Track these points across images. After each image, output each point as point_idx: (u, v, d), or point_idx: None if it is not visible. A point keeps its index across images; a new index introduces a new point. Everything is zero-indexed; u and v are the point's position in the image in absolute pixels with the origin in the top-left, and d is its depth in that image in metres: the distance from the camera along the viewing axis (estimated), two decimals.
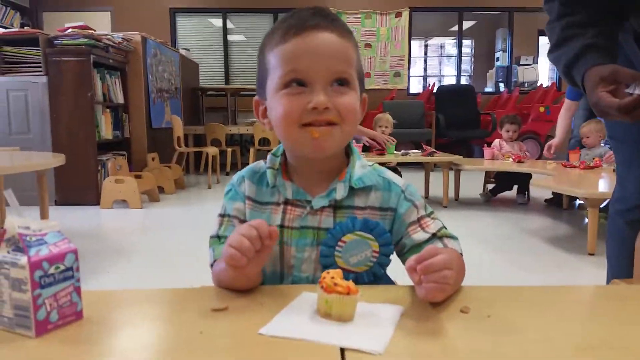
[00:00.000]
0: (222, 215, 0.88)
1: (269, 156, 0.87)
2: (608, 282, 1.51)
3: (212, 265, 0.85)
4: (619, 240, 1.45)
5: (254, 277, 0.74)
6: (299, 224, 0.83)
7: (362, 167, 0.86)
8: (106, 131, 4.68)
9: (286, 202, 0.84)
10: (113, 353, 0.57)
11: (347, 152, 0.88)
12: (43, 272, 0.59)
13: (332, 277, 0.64)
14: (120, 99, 4.99)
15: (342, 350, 0.56)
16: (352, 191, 0.83)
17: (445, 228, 0.86)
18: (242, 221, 0.85)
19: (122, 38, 4.88)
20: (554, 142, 4.07)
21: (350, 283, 0.64)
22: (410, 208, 0.85)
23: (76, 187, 4.38)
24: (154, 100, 5.51)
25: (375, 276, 0.83)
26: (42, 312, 0.59)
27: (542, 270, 2.70)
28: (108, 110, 4.73)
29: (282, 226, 0.83)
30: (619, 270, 1.44)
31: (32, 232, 0.60)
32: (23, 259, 0.58)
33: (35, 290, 0.58)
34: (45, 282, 0.59)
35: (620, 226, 1.45)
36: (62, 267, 0.61)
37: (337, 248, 0.80)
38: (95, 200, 4.37)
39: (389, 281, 0.90)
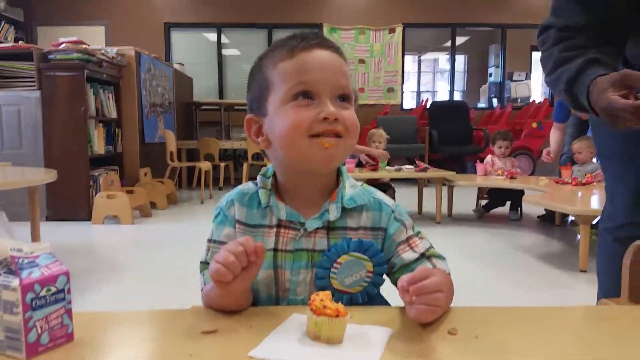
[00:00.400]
0: (210, 240, 0.88)
1: (259, 177, 0.88)
2: (599, 299, 1.53)
3: (202, 290, 0.86)
4: (609, 257, 1.47)
5: (241, 295, 0.74)
6: (293, 246, 0.83)
7: (353, 186, 0.87)
8: (99, 146, 4.68)
9: (279, 225, 0.84)
10: None
11: (337, 172, 0.89)
12: (35, 295, 0.59)
13: (322, 300, 0.64)
14: (113, 113, 5.00)
15: None
16: (345, 211, 0.84)
17: (433, 248, 0.87)
18: None
19: (115, 53, 4.91)
20: (551, 148, 4.17)
21: (340, 305, 0.64)
22: (400, 228, 0.86)
23: (68, 202, 4.37)
24: (147, 115, 5.53)
25: (369, 296, 0.84)
26: (33, 335, 0.59)
27: (534, 287, 2.71)
28: (101, 124, 4.73)
29: (275, 249, 0.83)
30: (609, 287, 1.45)
31: (24, 255, 0.61)
32: (15, 282, 0.58)
33: (27, 313, 0.59)
34: (37, 304, 0.60)
35: (609, 243, 1.46)
36: (53, 289, 0.62)
37: (332, 269, 0.81)
38: (87, 216, 4.35)
39: (382, 300, 0.90)
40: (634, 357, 0.62)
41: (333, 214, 0.83)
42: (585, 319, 0.77)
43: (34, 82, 4.28)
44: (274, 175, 0.88)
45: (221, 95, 8.37)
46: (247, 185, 0.89)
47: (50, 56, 4.36)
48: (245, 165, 6.73)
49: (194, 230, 4.22)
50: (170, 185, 5.47)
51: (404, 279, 0.68)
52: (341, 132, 0.80)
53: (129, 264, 3.13)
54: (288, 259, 0.83)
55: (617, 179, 1.45)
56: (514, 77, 9.01)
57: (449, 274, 0.85)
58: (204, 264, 0.86)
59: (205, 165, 5.72)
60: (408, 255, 0.85)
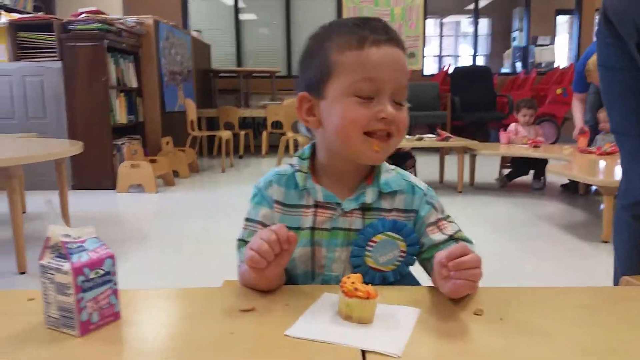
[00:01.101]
0: (247, 220, 0.91)
1: (295, 159, 0.91)
2: (615, 273, 1.54)
3: (239, 266, 0.89)
4: (626, 234, 1.47)
5: (275, 278, 0.78)
6: (330, 225, 0.87)
7: (387, 171, 0.90)
8: (121, 115, 4.74)
9: (316, 205, 0.88)
10: (150, 352, 0.62)
11: None
12: (84, 277, 0.63)
13: (353, 282, 0.67)
14: (134, 83, 5.03)
15: (364, 352, 0.60)
16: (379, 194, 0.88)
17: (461, 231, 0.90)
18: (267, 226, 0.87)
19: (134, 22, 4.91)
20: (578, 125, 4.08)
21: (370, 287, 0.67)
22: (431, 210, 0.90)
23: (92, 172, 4.46)
24: (167, 84, 5.56)
25: (401, 275, 0.88)
26: (85, 314, 0.64)
27: (556, 258, 2.72)
28: (122, 94, 4.78)
29: (313, 228, 0.87)
30: (626, 262, 1.46)
31: (73, 240, 0.65)
32: (66, 265, 0.62)
33: (78, 294, 0.63)
34: (87, 286, 0.64)
35: (626, 220, 1.47)
36: (101, 272, 0.65)
37: (367, 248, 0.85)
38: (112, 185, 4.45)
39: (413, 279, 0.95)
40: None
41: (369, 196, 0.87)
42: (606, 301, 0.78)
43: (55, 52, 4.32)
44: (311, 157, 0.91)
45: (239, 62, 8.34)
46: (284, 167, 0.92)
47: (70, 26, 4.38)
48: (264, 134, 6.76)
49: (217, 198, 4.29)
50: (192, 154, 5.54)
51: (442, 254, 0.71)
52: (393, 132, 0.82)
53: (155, 233, 3.22)
54: (325, 237, 0.87)
55: (633, 156, 1.44)
56: (539, 42, 8.79)
57: None
58: (241, 242, 0.90)
59: (225, 134, 5.76)
60: (437, 236, 0.88)
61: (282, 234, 0.73)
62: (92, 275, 0.64)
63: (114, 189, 4.42)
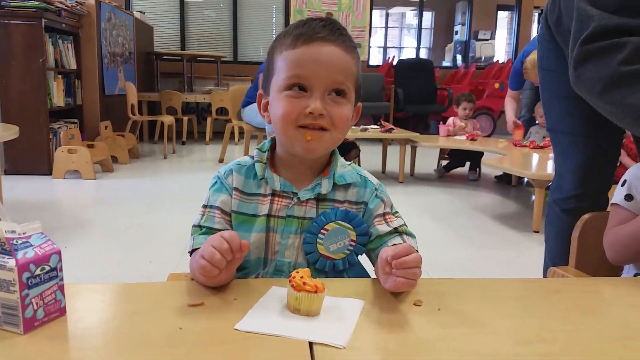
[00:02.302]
0: (205, 206, 0.93)
1: (255, 151, 0.95)
2: (545, 263, 1.65)
3: (190, 253, 0.90)
4: (556, 227, 1.58)
5: (225, 281, 0.79)
6: (285, 213, 0.90)
7: (343, 166, 0.95)
8: (58, 98, 4.54)
9: (273, 194, 0.91)
10: (97, 347, 0.61)
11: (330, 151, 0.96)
12: (30, 274, 0.62)
13: (302, 277, 0.70)
14: (72, 64, 4.83)
15: (311, 344, 0.63)
16: (334, 186, 0.92)
17: (406, 226, 0.95)
18: (225, 212, 0.92)
19: (75, 1, 4.69)
20: (510, 120, 4.26)
21: (318, 281, 0.70)
22: (379, 204, 0.94)
23: (27, 156, 4.26)
24: (107, 66, 5.36)
25: (350, 264, 0.92)
26: (30, 311, 0.63)
27: (490, 247, 2.87)
28: (60, 76, 4.57)
29: (269, 215, 0.90)
30: (556, 254, 1.57)
31: (18, 236, 0.63)
32: (11, 262, 0.61)
33: (23, 291, 0.62)
34: (32, 282, 0.63)
35: (557, 214, 1.57)
36: (47, 268, 0.65)
37: (319, 235, 0.89)
38: (47, 170, 4.26)
39: (362, 269, 0.99)
40: (582, 326, 0.70)
41: (325, 187, 0.91)
42: (535, 292, 0.85)
43: None
44: (270, 149, 0.95)
45: (183, 45, 8.13)
46: (244, 159, 0.96)
47: (4, 3, 4.13)
48: (209, 120, 6.66)
49: (158, 186, 4.20)
50: (132, 139, 5.38)
51: (387, 251, 0.74)
52: (326, 126, 0.86)
53: (94, 221, 3.13)
54: (280, 224, 0.90)
55: (566, 153, 1.54)
56: (479, 36, 9.08)
57: (417, 250, 0.92)
58: (197, 227, 0.92)
59: (167, 119, 5.62)
60: (382, 227, 0.92)
61: (235, 243, 0.74)
62: (37, 272, 0.63)
63: (49, 174, 4.24)
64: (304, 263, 0.90)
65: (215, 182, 0.94)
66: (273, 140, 0.96)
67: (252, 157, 0.95)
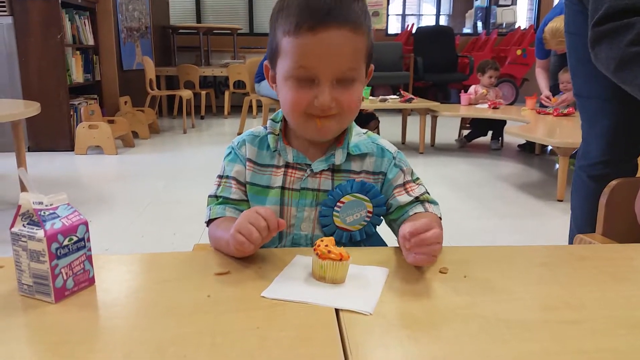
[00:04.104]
0: (220, 177, 0.93)
1: (269, 122, 0.93)
2: (571, 231, 1.63)
3: (207, 223, 0.91)
4: (583, 194, 1.55)
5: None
6: (299, 185, 0.89)
7: (358, 134, 0.93)
8: (77, 74, 4.57)
9: (287, 166, 0.90)
10: (127, 316, 0.63)
11: None
12: (58, 244, 0.63)
13: (326, 245, 0.70)
14: (90, 40, 4.84)
15: (337, 310, 0.63)
16: (349, 156, 0.90)
17: (428, 193, 0.93)
18: (240, 183, 0.91)
19: None
20: (545, 94, 4.16)
21: (342, 250, 0.70)
22: (398, 173, 0.92)
23: (49, 133, 4.32)
24: (124, 41, 5.36)
25: (367, 234, 0.91)
26: (60, 280, 0.64)
27: (513, 216, 2.84)
28: (78, 52, 4.59)
29: (283, 187, 0.89)
30: (582, 221, 1.54)
31: (45, 207, 0.64)
32: (40, 233, 0.62)
33: (53, 261, 0.63)
34: (61, 253, 0.64)
35: (584, 180, 1.54)
36: (75, 239, 0.65)
37: (335, 208, 0.88)
38: (69, 146, 4.32)
39: (379, 239, 0.98)
40: (609, 293, 0.69)
41: (339, 158, 0.89)
42: (560, 258, 0.83)
43: (4, 7, 4.08)
44: (283, 120, 0.93)
45: (199, 18, 8.07)
46: (257, 129, 0.94)
47: None
48: (227, 94, 6.65)
49: (179, 160, 4.23)
50: (152, 114, 5.41)
51: (406, 229, 0.72)
52: (335, 113, 0.83)
53: (117, 195, 3.17)
54: (294, 197, 0.89)
55: (593, 118, 1.51)
56: (500, 2, 8.83)
57: (440, 217, 0.91)
58: (213, 198, 0.92)
59: (186, 94, 5.63)
60: (403, 197, 0.91)
61: (272, 221, 0.72)
62: (65, 242, 0.64)
63: (72, 150, 4.30)
64: (321, 235, 0.89)
65: (230, 153, 0.94)
66: None
67: (266, 128, 0.93)
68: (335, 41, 0.79)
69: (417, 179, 0.94)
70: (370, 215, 0.90)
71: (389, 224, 0.95)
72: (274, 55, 0.87)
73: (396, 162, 0.93)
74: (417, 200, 0.91)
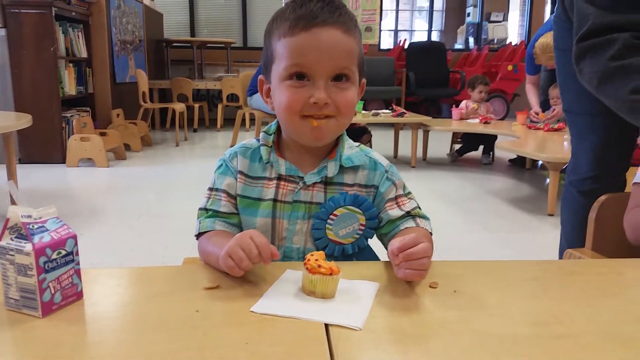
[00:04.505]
0: (211, 189, 0.93)
1: (261, 134, 0.93)
2: (561, 245, 1.64)
3: (196, 236, 0.90)
4: (573, 209, 1.56)
5: None
6: (291, 198, 0.89)
7: (350, 147, 0.93)
8: (70, 87, 4.56)
9: (279, 178, 0.90)
10: (114, 330, 0.62)
11: None
12: (47, 258, 0.63)
13: (316, 260, 0.69)
14: (83, 53, 4.84)
15: (327, 325, 0.63)
16: (342, 169, 0.90)
17: (420, 208, 0.93)
18: (231, 196, 0.91)
19: None
20: (534, 110, 4.20)
21: (333, 264, 0.69)
22: (390, 187, 0.92)
23: (41, 145, 4.29)
24: (118, 54, 5.37)
25: (360, 248, 0.91)
26: (47, 295, 0.63)
27: (504, 231, 2.85)
28: (71, 65, 4.59)
29: (275, 200, 0.89)
30: (573, 236, 1.55)
31: (34, 220, 0.64)
32: (28, 246, 0.62)
33: (40, 275, 0.62)
34: (49, 267, 0.63)
35: (573, 195, 1.55)
36: (63, 252, 0.65)
37: (328, 221, 0.88)
38: (61, 159, 4.30)
39: (371, 252, 0.98)
40: (599, 308, 0.70)
41: (331, 170, 0.89)
42: (551, 274, 0.84)
43: None
44: (276, 132, 0.93)
45: (193, 32, 8.10)
46: (250, 141, 0.94)
47: None
48: (220, 107, 6.65)
49: (171, 173, 4.22)
50: (144, 127, 5.39)
51: (395, 244, 0.72)
52: (332, 113, 0.84)
53: (108, 208, 3.15)
54: (286, 210, 0.89)
55: (582, 134, 1.52)
56: (492, 18, 8.95)
57: (431, 233, 0.91)
58: (203, 211, 0.91)
59: (179, 107, 5.63)
60: (395, 212, 0.91)
61: (266, 252, 0.71)
62: (54, 256, 0.64)
63: (63, 163, 4.28)
64: (313, 248, 0.89)
65: (221, 165, 0.93)
66: (279, 122, 0.94)
67: (258, 140, 0.93)
68: (329, 38, 0.82)
69: (409, 193, 0.95)
70: (363, 228, 0.90)
71: (380, 238, 0.95)
72: (268, 64, 0.88)
73: (388, 175, 0.93)
74: (409, 214, 0.91)
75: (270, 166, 0.90)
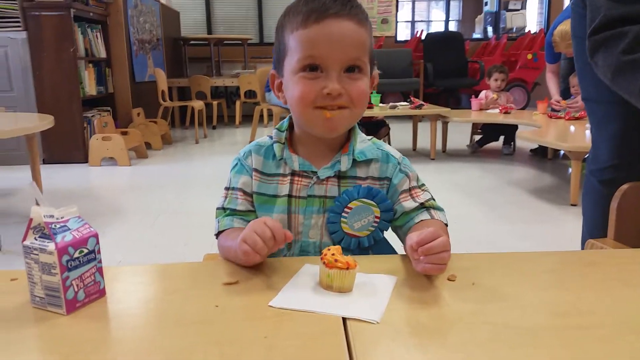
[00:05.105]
0: (227, 189, 0.94)
1: (274, 131, 0.94)
2: (583, 236, 1.61)
3: (216, 235, 0.91)
4: (593, 198, 1.54)
5: (259, 262, 0.80)
6: (306, 193, 0.90)
7: (363, 141, 0.93)
8: (90, 87, 4.63)
9: (293, 174, 0.91)
10: (136, 327, 0.63)
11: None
12: (69, 257, 0.64)
13: (333, 254, 0.70)
14: (102, 53, 4.91)
15: (344, 319, 0.63)
16: (354, 163, 0.91)
17: (434, 200, 0.93)
18: (247, 194, 0.92)
19: None
20: (555, 98, 4.14)
21: (349, 258, 0.70)
22: (404, 178, 0.92)
23: (63, 145, 4.37)
24: (136, 53, 5.43)
25: (375, 240, 0.92)
26: (71, 292, 0.65)
27: (525, 222, 2.82)
28: (91, 65, 4.66)
29: (290, 195, 0.90)
30: (594, 226, 1.53)
31: (56, 220, 0.65)
32: (51, 246, 0.63)
33: (64, 273, 0.64)
34: (72, 265, 0.65)
35: (594, 185, 1.53)
36: (85, 251, 0.66)
37: (343, 214, 0.88)
38: (83, 158, 4.38)
39: (387, 245, 0.98)
40: (619, 298, 0.69)
41: (344, 164, 0.90)
42: (570, 264, 0.83)
43: (19, 22, 4.16)
44: (289, 128, 0.94)
45: (209, 29, 8.15)
46: (263, 139, 0.95)
47: None
48: (238, 103, 6.69)
49: (191, 170, 4.27)
50: (164, 125, 5.45)
51: (413, 237, 0.72)
52: (345, 104, 0.84)
53: (130, 206, 3.20)
54: (301, 205, 0.90)
55: (601, 122, 1.50)
56: (510, 6, 8.80)
57: (447, 224, 0.91)
58: (221, 210, 0.93)
59: (198, 105, 5.67)
60: (409, 203, 0.91)
61: (279, 233, 0.73)
62: (76, 255, 0.65)
63: (86, 162, 4.36)
64: (329, 242, 0.90)
65: (236, 164, 0.94)
66: (291, 118, 0.95)
67: (271, 137, 0.94)
68: (341, 30, 0.83)
69: (423, 185, 0.95)
70: (378, 220, 0.90)
71: (395, 231, 0.95)
72: (280, 58, 0.89)
73: (401, 167, 0.93)
74: (423, 206, 0.91)
75: (284, 163, 0.91)
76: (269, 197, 0.91)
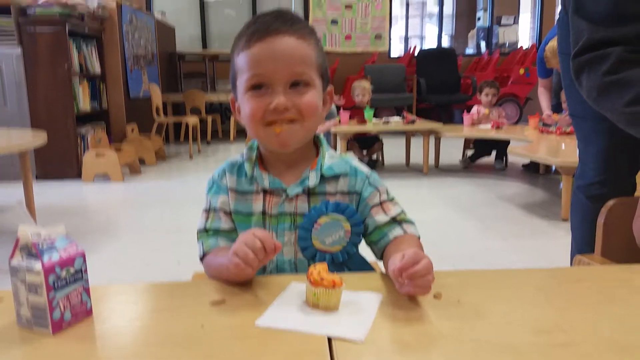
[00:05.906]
0: (207, 210, 0.95)
1: (245, 150, 0.95)
2: (572, 251, 1.63)
3: (201, 258, 0.92)
4: (581, 214, 1.55)
5: (249, 278, 0.80)
6: (277, 210, 0.91)
7: (331, 157, 0.94)
8: (84, 103, 4.63)
9: (264, 192, 0.92)
10: (123, 347, 0.63)
11: (317, 144, 0.96)
12: (56, 276, 0.65)
13: (319, 272, 0.70)
14: (97, 69, 4.92)
15: (329, 339, 0.63)
16: (323, 178, 0.91)
17: (405, 213, 0.94)
18: (227, 213, 0.93)
19: (97, 5, 4.78)
20: (546, 113, 4.19)
21: (336, 276, 0.70)
22: (374, 192, 0.93)
23: (57, 161, 4.37)
24: (131, 69, 5.45)
25: (349, 254, 0.92)
26: (57, 313, 0.65)
27: (517, 237, 2.83)
28: (85, 80, 4.67)
29: (263, 213, 0.91)
30: (582, 241, 1.54)
31: (43, 239, 0.66)
32: (37, 265, 0.64)
33: (50, 293, 0.64)
34: (58, 285, 0.65)
35: (581, 200, 1.55)
36: (72, 270, 0.67)
37: (313, 230, 0.89)
38: (77, 174, 4.37)
39: (362, 259, 0.99)
40: (603, 315, 0.70)
41: (312, 181, 0.90)
42: (555, 282, 0.84)
43: (14, 37, 4.18)
44: (259, 147, 0.95)
45: (205, 44, 8.20)
46: (235, 157, 0.96)
47: (30, 11, 4.23)
48: (232, 119, 6.71)
49: (185, 186, 4.26)
50: (158, 141, 5.46)
51: (395, 264, 0.71)
52: (294, 117, 0.86)
53: (124, 224, 3.19)
54: (273, 222, 0.91)
55: (587, 139, 1.52)
56: (502, 22, 8.92)
57: (419, 237, 0.92)
58: (203, 232, 0.94)
59: (192, 120, 5.69)
60: (381, 217, 0.92)
61: (269, 243, 0.74)
62: (63, 274, 0.66)
63: (79, 178, 4.35)
64: (304, 259, 0.90)
65: (212, 186, 0.96)
66: None
67: (242, 156, 0.95)
68: (283, 46, 0.85)
69: (393, 198, 0.95)
70: (349, 234, 0.91)
71: (369, 246, 0.96)
72: (234, 80, 0.91)
73: (370, 181, 0.94)
74: (395, 220, 0.92)
75: (256, 181, 0.92)
76: (244, 216, 0.92)
